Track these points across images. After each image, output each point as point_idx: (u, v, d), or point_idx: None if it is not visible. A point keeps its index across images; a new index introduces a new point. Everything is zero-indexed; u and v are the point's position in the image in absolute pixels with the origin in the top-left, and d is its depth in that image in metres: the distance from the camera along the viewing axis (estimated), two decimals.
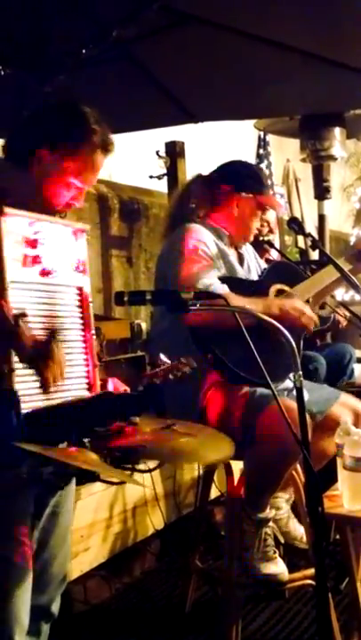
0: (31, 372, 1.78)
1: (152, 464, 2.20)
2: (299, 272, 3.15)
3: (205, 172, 3.12)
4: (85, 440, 1.70)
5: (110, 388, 2.01)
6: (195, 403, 2.75)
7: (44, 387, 1.78)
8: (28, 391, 1.76)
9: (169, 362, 2.02)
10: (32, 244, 1.84)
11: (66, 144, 1.92)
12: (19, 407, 1.68)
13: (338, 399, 2.94)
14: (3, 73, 3.44)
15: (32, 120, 2.01)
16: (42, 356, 1.76)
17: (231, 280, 2.85)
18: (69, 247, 1.97)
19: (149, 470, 2.26)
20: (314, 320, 2.85)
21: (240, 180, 3.03)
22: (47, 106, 2.08)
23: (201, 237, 2.87)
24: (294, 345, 1.88)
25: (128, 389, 2.04)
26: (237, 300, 2.65)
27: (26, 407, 1.72)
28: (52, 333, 1.80)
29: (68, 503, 2.13)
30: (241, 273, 3.02)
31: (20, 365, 1.75)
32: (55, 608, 2.15)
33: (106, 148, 1.98)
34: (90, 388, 1.97)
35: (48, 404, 1.80)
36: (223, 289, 2.73)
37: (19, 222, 1.81)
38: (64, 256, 1.95)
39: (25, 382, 1.76)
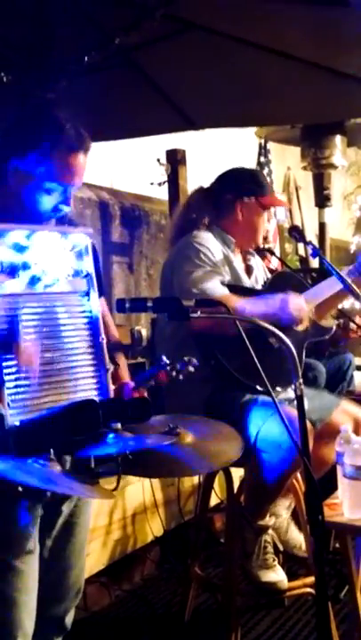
0: (22, 384, 1.77)
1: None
2: (302, 282, 3.17)
3: (206, 182, 3.15)
4: (51, 452, 1.67)
5: (127, 392, 1.99)
6: (198, 409, 2.74)
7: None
8: (22, 402, 1.75)
9: (168, 362, 2.02)
10: (26, 256, 1.82)
11: (34, 151, 1.89)
12: (3, 421, 1.67)
13: (338, 406, 2.94)
14: (5, 79, 3.45)
15: (3, 133, 1.98)
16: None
17: (235, 288, 2.87)
18: (71, 253, 1.94)
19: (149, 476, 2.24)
20: (310, 316, 2.91)
21: (240, 186, 3.05)
22: (16, 117, 2.03)
23: (206, 243, 2.89)
24: (295, 352, 1.88)
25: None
26: (238, 302, 2.66)
27: (20, 417, 1.71)
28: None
29: (85, 515, 2.10)
30: (246, 281, 3.03)
31: (11, 377, 1.74)
32: (69, 620, 2.13)
33: (77, 146, 1.92)
34: (102, 393, 1.93)
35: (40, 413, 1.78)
36: (224, 292, 2.76)
37: (6, 236, 1.80)
38: (66, 263, 1.92)
39: (19, 392, 1.75)
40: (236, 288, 2.87)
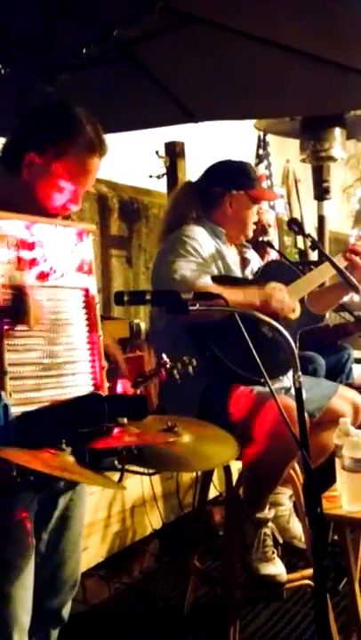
0: (25, 373, 1.76)
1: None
2: (294, 271, 3.15)
3: (194, 178, 3.14)
4: (63, 442, 1.66)
5: (119, 390, 1.99)
6: (194, 401, 2.74)
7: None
8: (21, 394, 1.74)
9: (168, 361, 2.02)
10: (29, 246, 1.82)
11: (53, 147, 1.88)
12: (7, 411, 1.67)
13: (336, 392, 2.94)
14: (3, 72, 3.44)
15: (21, 124, 1.97)
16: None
17: (225, 279, 2.85)
18: (73, 248, 1.94)
19: (149, 474, 2.24)
20: (293, 309, 2.88)
21: (229, 179, 3.03)
22: (36, 108, 2.02)
23: (195, 236, 2.88)
24: (293, 345, 1.88)
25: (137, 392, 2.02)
26: (216, 290, 2.64)
27: (19, 410, 1.71)
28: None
29: (80, 508, 2.10)
30: (238, 274, 3.02)
31: (14, 368, 1.73)
32: (65, 613, 2.14)
33: (95, 149, 1.92)
34: (97, 389, 1.92)
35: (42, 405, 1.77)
36: (206, 281, 2.73)
37: (11, 226, 1.79)
38: (67, 258, 1.92)
39: (19, 384, 1.74)
40: (226, 279, 2.85)
